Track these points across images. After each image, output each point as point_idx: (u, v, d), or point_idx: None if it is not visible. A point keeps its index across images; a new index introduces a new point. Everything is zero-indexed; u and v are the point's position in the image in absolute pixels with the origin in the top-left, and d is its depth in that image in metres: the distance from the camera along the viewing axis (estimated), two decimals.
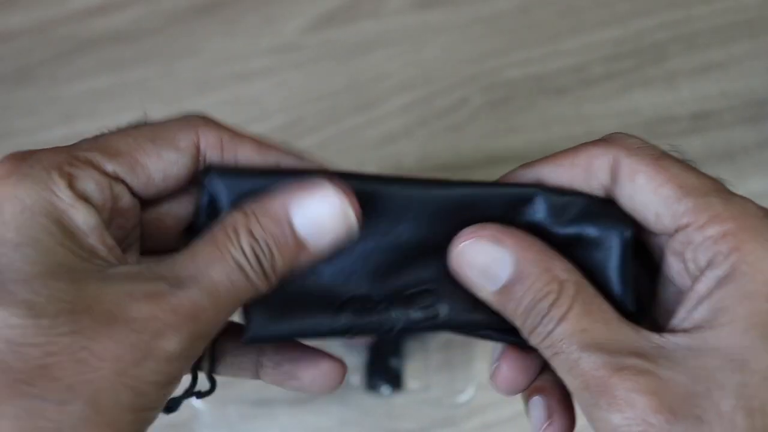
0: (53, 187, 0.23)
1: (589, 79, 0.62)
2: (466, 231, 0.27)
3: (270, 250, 0.24)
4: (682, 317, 0.25)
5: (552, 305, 0.25)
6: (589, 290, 0.26)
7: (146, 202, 0.27)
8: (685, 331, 0.25)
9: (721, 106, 0.62)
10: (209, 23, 0.62)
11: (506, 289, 0.26)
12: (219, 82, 0.60)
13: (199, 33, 0.62)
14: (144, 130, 0.26)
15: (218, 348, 0.29)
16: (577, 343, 0.24)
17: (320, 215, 0.24)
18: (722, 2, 0.64)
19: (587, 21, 0.64)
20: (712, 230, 0.24)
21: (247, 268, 0.24)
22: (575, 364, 0.24)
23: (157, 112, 0.62)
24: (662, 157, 0.27)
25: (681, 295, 0.26)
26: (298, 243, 0.24)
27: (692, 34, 0.64)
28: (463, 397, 0.49)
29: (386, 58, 0.62)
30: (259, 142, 0.27)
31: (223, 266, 0.23)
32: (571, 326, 0.25)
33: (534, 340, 0.26)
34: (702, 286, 0.25)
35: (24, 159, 0.24)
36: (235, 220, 0.24)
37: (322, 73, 0.61)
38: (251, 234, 0.24)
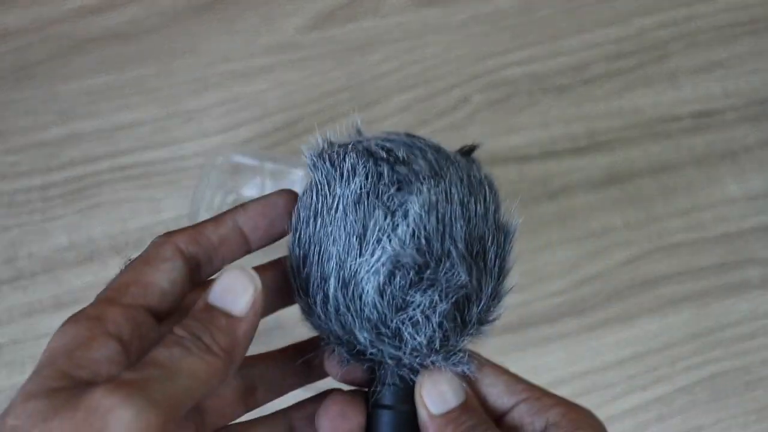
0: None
1: (590, 78, 0.62)
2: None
3: (206, 327, 0.28)
4: None
5: (486, 430, 0.32)
6: None
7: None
8: None
9: (724, 105, 0.61)
10: (208, 22, 0.62)
11: (452, 412, 0.33)
12: (218, 81, 0.60)
13: (197, 32, 0.61)
14: (133, 264, 0.31)
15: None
16: None
17: (226, 284, 0.30)
18: (724, 1, 0.64)
19: (588, 19, 0.63)
20: (548, 400, 0.33)
21: (189, 344, 0.28)
22: None
23: (155, 111, 0.62)
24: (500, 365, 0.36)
25: None
26: (218, 313, 0.29)
27: (694, 33, 0.63)
28: None
29: (386, 57, 0.61)
30: (216, 222, 0.33)
31: (167, 346, 0.28)
32: None
33: None
34: None
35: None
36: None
37: (321, 72, 0.61)
38: (187, 323, 0.29)
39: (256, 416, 0.36)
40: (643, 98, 0.61)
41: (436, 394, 0.33)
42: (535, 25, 0.63)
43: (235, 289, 0.29)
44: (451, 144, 0.59)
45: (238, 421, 0.36)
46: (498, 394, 0.34)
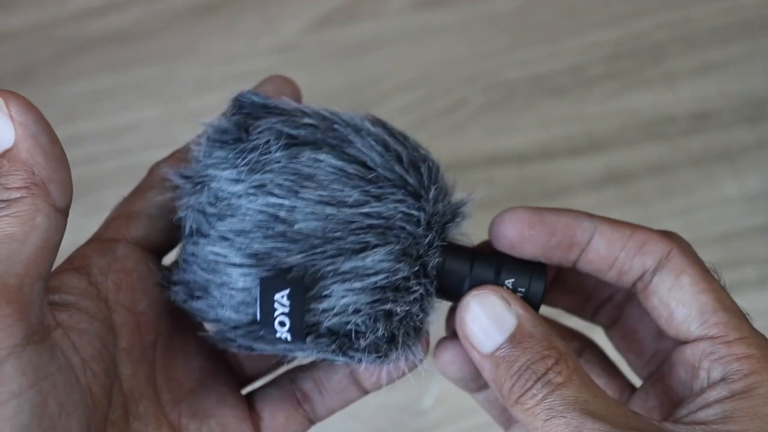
0: None
1: (588, 80, 0.62)
2: (478, 287, 0.27)
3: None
4: (683, 414, 0.26)
5: (550, 369, 0.25)
6: (584, 370, 0.26)
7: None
8: (687, 425, 0.25)
9: (721, 106, 0.62)
10: (209, 23, 0.62)
11: (504, 346, 0.25)
12: (219, 82, 0.60)
13: (199, 33, 0.62)
14: (125, 198, 0.32)
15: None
16: (579, 410, 0.24)
17: None
18: (721, 2, 0.64)
19: (586, 21, 0.64)
20: (738, 349, 0.26)
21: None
22: (576, 430, 0.24)
23: (158, 111, 0.62)
24: (709, 271, 0.29)
25: (677, 397, 0.27)
26: (1, 161, 0.26)
27: (691, 35, 0.64)
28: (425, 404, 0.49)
29: (386, 58, 0.62)
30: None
31: None
32: (572, 393, 0.24)
33: (526, 404, 0.25)
34: (714, 394, 0.25)
35: None
36: None
37: (321, 74, 0.61)
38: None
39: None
40: (641, 100, 0.62)
41: (477, 331, 0.26)
42: (533, 27, 0.63)
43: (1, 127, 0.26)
44: (450, 145, 0.59)
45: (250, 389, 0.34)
46: (685, 317, 0.27)
